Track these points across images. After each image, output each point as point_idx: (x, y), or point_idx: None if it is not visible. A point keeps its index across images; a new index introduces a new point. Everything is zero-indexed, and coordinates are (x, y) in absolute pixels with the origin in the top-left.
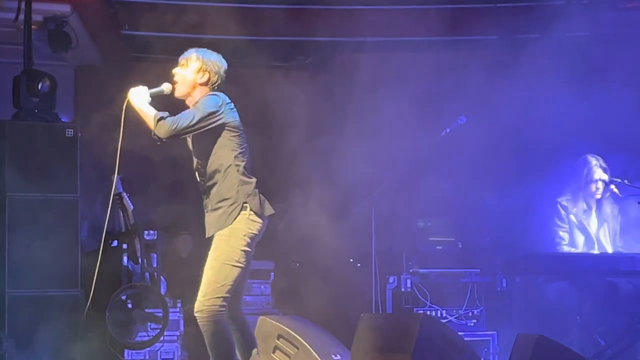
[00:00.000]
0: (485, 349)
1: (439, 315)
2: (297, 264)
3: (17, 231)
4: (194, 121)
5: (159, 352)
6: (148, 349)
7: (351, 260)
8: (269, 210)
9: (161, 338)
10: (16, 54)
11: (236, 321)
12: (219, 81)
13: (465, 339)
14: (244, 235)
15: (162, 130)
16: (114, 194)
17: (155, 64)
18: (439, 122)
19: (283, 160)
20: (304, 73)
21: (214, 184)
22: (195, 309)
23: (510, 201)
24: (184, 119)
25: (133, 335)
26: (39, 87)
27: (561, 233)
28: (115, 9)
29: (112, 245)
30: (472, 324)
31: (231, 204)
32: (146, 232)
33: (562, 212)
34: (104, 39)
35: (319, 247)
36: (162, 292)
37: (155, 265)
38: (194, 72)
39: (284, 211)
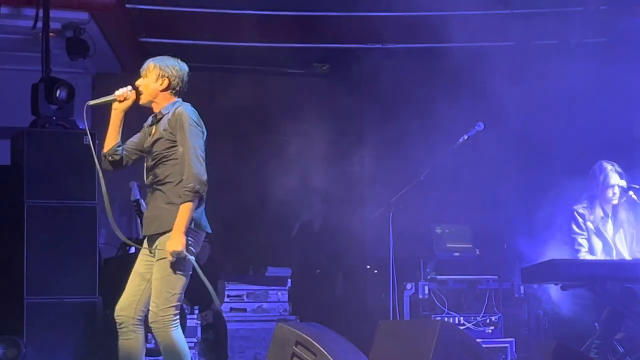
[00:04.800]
0: (503, 356)
1: (456, 322)
2: (318, 271)
3: (35, 238)
4: (200, 152)
5: None
6: None
7: (368, 267)
8: (208, 227)
9: None
10: (34, 61)
11: (136, 332)
12: (180, 84)
13: (483, 345)
14: (189, 246)
15: (201, 188)
16: (131, 201)
17: None
18: (457, 129)
19: (296, 166)
20: (321, 80)
21: (164, 184)
22: (150, 320)
23: (528, 207)
24: (199, 162)
25: (151, 342)
26: (57, 94)
27: (580, 240)
28: (133, 17)
29: (130, 252)
30: (490, 331)
31: (177, 210)
32: None
33: (580, 219)
34: (121, 47)
35: (336, 253)
36: None
37: None
38: (153, 81)
39: (298, 216)
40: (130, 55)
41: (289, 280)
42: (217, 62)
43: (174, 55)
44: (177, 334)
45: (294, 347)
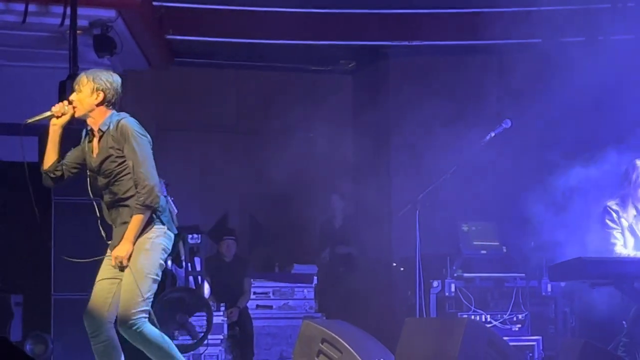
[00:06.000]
0: (530, 354)
1: (483, 319)
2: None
3: (62, 235)
4: (150, 162)
5: (202, 356)
6: (192, 352)
7: (394, 264)
8: (174, 229)
9: (205, 341)
10: (62, 59)
11: (110, 333)
12: (115, 96)
13: (510, 343)
14: (162, 250)
15: (154, 200)
16: None
17: (199, 68)
18: (485, 126)
19: (322, 163)
20: (347, 77)
21: (126, 199)
22: (121, 324)
23: (556, 205)
24: (149, 174)
25: (177, 339)
26: None
27: (615, 234)
28: (160, 14)
29: None
30: (517, 329)
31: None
32: (190, 236)
33: (614, 214)
34: (148, 44)
35: (362, 251)
36: (206, 295)
37: (199, 269)
38: (87, 95)
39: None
40: (157, 52)
41: (315, 277)
42: (243, 59)
43: (198, 52)
44: (148, 329)
45: (320, 344)
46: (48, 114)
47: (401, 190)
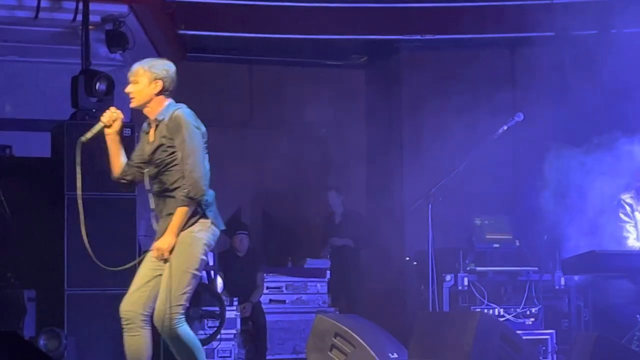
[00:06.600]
0: (544, 348)
1: (496, 313)
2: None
3: (75, 230)
4: (199, 155)
5: (216, 350)
6: (205, 347)
7: (407, 258)
8: (222, 224)
9: (218, 336)
10: (74, 54)
11: (144, 327)
12: (172, 84)
13: (523, 337)
14: (204, 244)
15: (198, 193)
16: None
17: (211, 63)
18: (497, 119)
19: (334, 157)
20: (359, 72)
21: (173, 190)
22: (157, 319)
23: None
24: (196, 166)
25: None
26: (97, 87)
27: (629, 227)
28: (172, 9)
29: None
30: (530, 323)
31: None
32: None
33: (628, 208)
34: (160, 39)
35: (375, 245)
36: (219, 290)
37: (212, 264)
38: (146, 85)
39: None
40: (169, 47)
41: (328, 272)
42: (255, 54)
43: (210, 47)
44: (185, 330)
45: (333, 338)
46: (100, 125)
47: (414, 184)
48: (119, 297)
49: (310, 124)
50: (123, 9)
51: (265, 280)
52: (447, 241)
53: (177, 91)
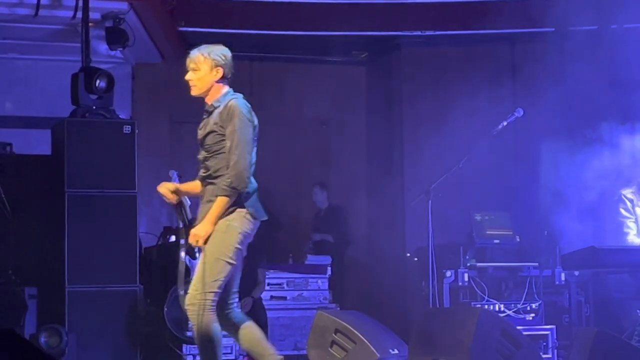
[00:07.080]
0: (544, 343)
1: (496, 309)
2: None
3: (76, 227)
4: (247, 147)
5: None
6: None
7: (408, 254)
8: (262, 214)
9: None
10: (74, 51)
11: (226, 319)
12: (231, 71)
13: (524, 333)
14: (239, 233)
15: (240, 184)
16: None
17: None
18: (497, 115)
19: (336, 153)
20: (360, 68)
21: (215, 177)
22: (187, 302)
23: (569, 194)
24: (241, 158)
25: (192, 330)
26: (97, 84)
27: (629, 223)
28: (172, 6)
29: (170, 240)
30: (531, 318)
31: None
32: None
33: (628, 203)
34: (161, 36)
35: (375, 241)
36: None
37: None
38: (207, 72)
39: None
40: (169, 44)
41: (329, 268)
42: (256, 51)
43: (211, 44)
44: (212, 319)
45: (333, 334)
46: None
47: (414, 180)
48: (120, 294)
49: (311, 119)
50: (123, 5)
51: (267, 276)
52: (447, 237)
53: (177, 87)
